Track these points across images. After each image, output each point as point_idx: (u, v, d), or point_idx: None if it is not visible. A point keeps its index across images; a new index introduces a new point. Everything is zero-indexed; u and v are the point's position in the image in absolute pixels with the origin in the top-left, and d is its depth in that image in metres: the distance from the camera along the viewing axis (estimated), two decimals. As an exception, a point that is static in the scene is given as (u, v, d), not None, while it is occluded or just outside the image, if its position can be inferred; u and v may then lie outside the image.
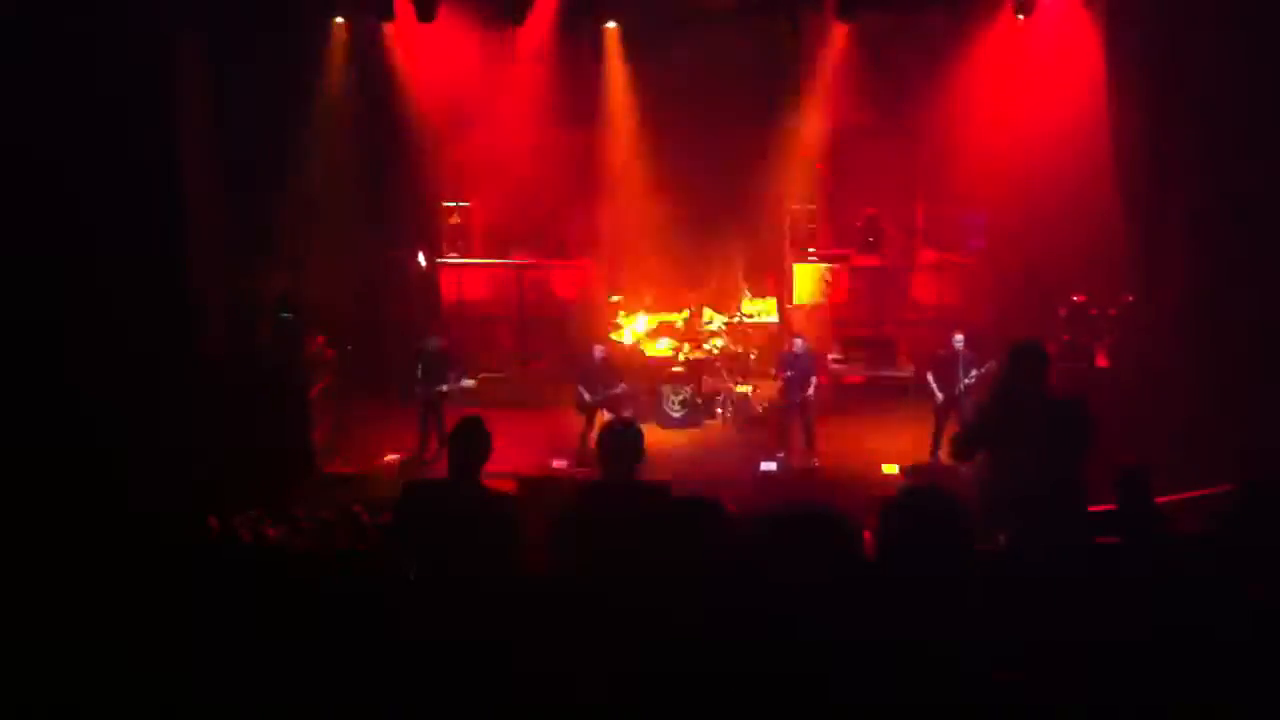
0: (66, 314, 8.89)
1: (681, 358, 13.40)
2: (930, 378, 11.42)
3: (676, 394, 13.12)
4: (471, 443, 5.26)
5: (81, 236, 8.97)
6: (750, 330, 14.00)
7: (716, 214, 14.82)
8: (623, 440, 5.24)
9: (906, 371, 13.78)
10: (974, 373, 11.01)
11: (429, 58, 14.13)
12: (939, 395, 11.25)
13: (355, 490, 10.71)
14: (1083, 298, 12.57)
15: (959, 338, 11.27)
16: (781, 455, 11.65)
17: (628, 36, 14.20)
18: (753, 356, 13.77)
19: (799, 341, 11.82)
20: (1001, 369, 6.70)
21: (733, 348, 13.65)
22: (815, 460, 11.68)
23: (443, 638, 3.89)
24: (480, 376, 12.22)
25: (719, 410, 13.31)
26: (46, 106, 8.65)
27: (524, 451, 11.79)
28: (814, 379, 11.74)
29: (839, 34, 13.83)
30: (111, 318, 9.16)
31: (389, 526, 5.41)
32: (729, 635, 3.35)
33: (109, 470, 8.18)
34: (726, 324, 13.86)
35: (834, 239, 14.89)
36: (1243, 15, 9.18)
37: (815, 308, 14.27)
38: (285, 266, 13.68)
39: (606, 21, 13.91)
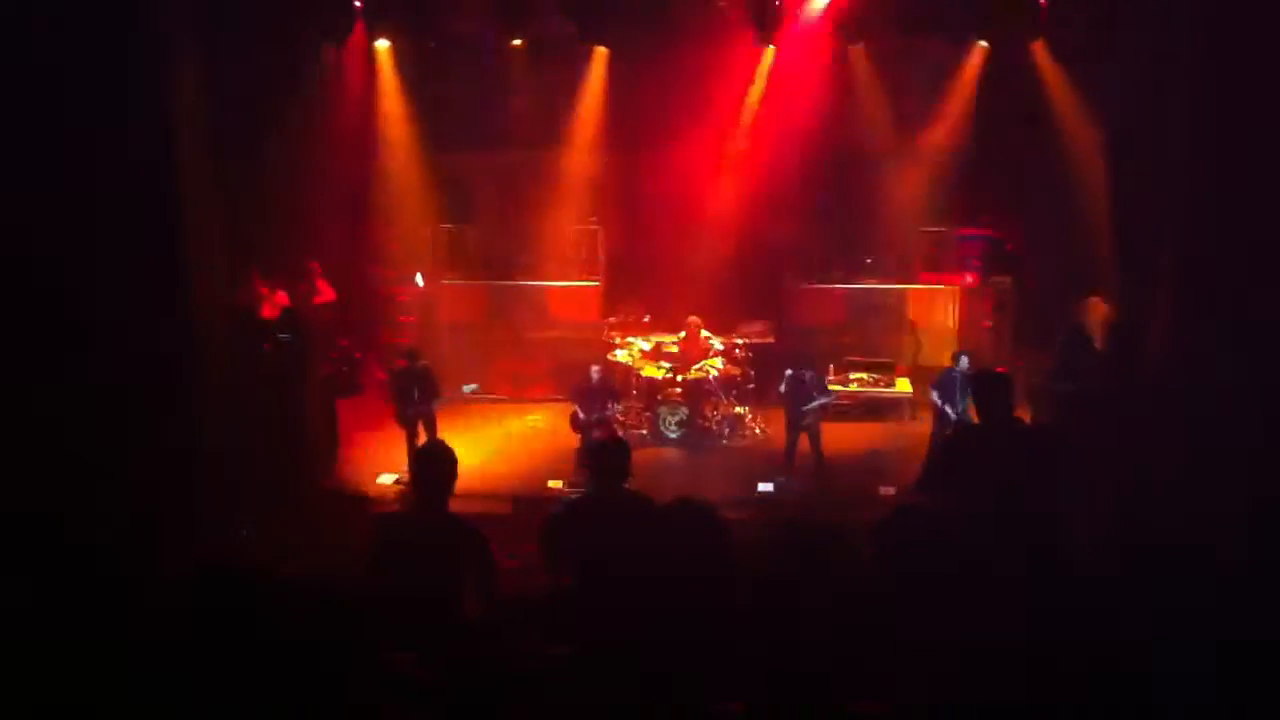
0: (65, 330, 8.89)
1: (678, 379, 13.38)
2: (935, 395, 11.40)
3: (673, 415, 13.10)
4: (437, 472, 5.18)
5: (81, 254, 8.97)
6: (748, 352, 13.98)
7: (714, 236, 14.87)
8: (610, 456, 5.27)
9: (904, 392, 13.78)
10: None
11: (428, 77, 14.21)
12: (946, 409, 11.22)
13: (349, 511, 10.70)
14: (1083, 318, 12.57)
15: (964, 361, 11.25)
16: (782, 479, 11.63)
17: (619, 58, 14.24)
18: (750, 375, 13.76)
19: (804, 371, 11.81)
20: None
21: (730, 369, 13.63)
22: (821, 483, 11.64)
23: (431, 659, 3.88)
24: (476, 397, 12.21)
25: (715, 431, 13.29)
26: (46, 123, 8.68)
27: (520, 473, 11.80)
28: (818, 404, 11.72)
29: (841, 55, 13.88)
30: (110, 337, 9.16)
31: (368, 564, 5.36)
32: (727, 638, 3.37)
33: (104, 489, 8.16)
34: (724, 345, 13.85)
35: (836, 261, 14.95)
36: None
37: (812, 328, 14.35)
38: (284, 287, 13.74)
39: (598, 42, 13.94)
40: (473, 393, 11.73)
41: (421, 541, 5.09)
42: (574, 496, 9.55)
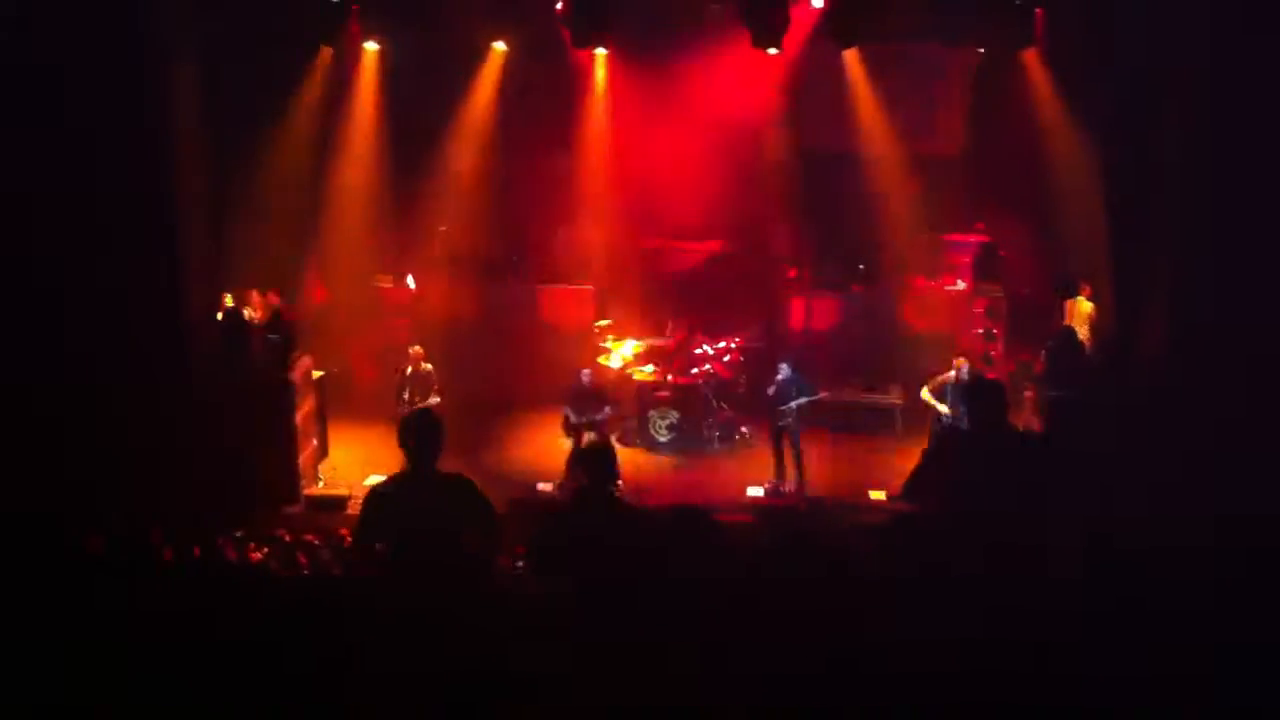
0: (60, 333, 8.88)
1: (669, 382, 13.36)
2: (931, 398, 11.35)
3: (664, 418, 13.08)
4: (426, 433, 5.23)
5: (78, 255, 8.97)
6: (740, 356, 13.96)
7: (708, 239, 14.88)
8: (597, 458, 5.27)
9: (896, 397, 13.77)
10: None
11: (416, 82, 14.20)
12: (942, 415, 11.20)
13: (340, 513, 10.67)
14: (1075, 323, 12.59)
15: (963, 366, 11.21)
16: (771, 482, 11.61)
17: (617, 62, 14.26)
18: (741, 380, 13.75)
19: (784, 366, 11.76)
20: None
21: (722, 374, 13.61)
22: (805, 492, 11.56)
23: (424, 660, 3.86)
24: (467, 399, 12.14)
25: (706, 435, 13.27)
26: (44, 127, 8.69)
27: (509, 475, 11.76)
28: (795, 404, 11.63)
29: (836, 59, 13.91)
30: (101, 339, 9.15)
31: (356, 528, 5.38)
32: (722, 639, 3.37)
33: (95, 487, 8.15)
34: (716, 350, 13.82)
35: (829, 266, 14.94)
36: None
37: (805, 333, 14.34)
38: (273, 289, 13.70)
39: (597, 47, 13.94)
40: (435, 404, 11.65)
41: (413, 495, 5.16)
42: (560, 502, 9.54)
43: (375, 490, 5.29)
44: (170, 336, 9.95)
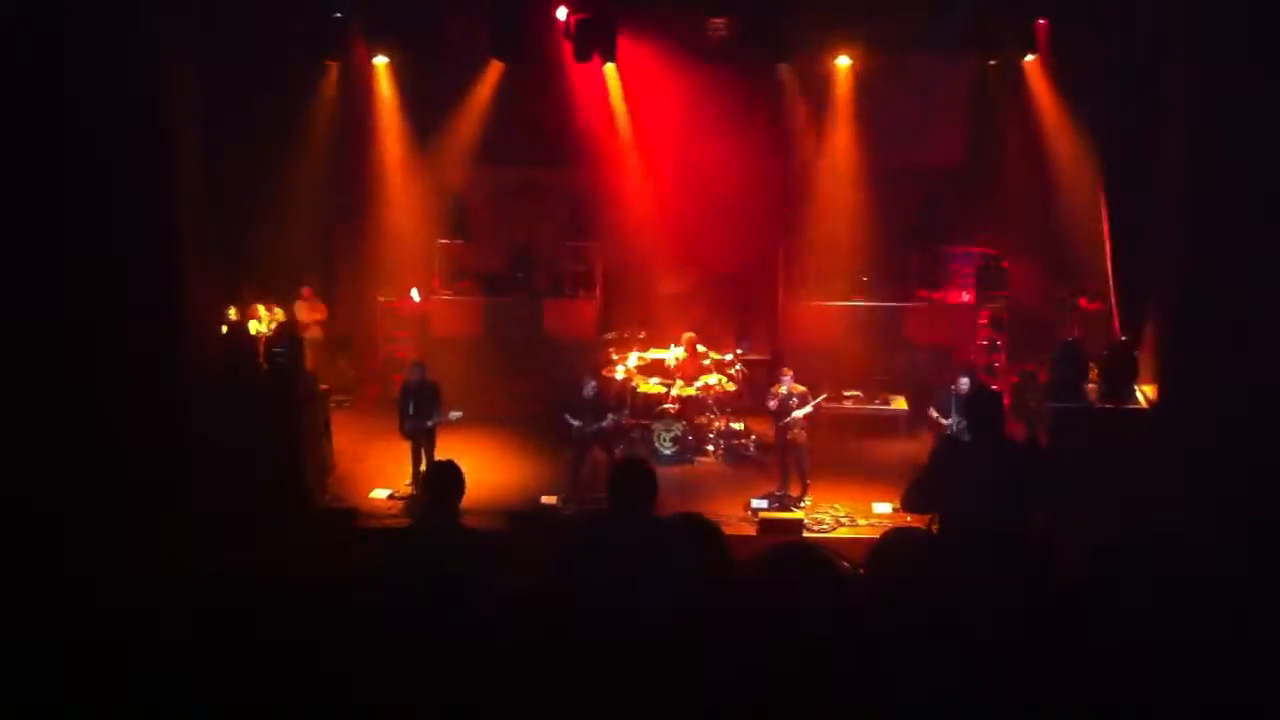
0: (61, 346, 8.90)
1: (673, 394, 13.36)
2: (934, 412, 11.37)
3: (668, 430, 13.07)
4: (447, 487, 5.17)
5: (74, 272, 9.00)
6: (743, 367, 13.97)
7: (710, 252, 14.90)
8: (640, 480, 5.04)
9: (899, 408, 13.77)
10: None
11: (425, 96, 14.28)
12: (946, 423, 11.20)
13: (345, 526, 10.66)
14: (1078, 334, 12.57)
15: (964, 380, 11.20)
16: (776, 493, 11.61)
17: (626, 76, 14.32)
18: (745, 391, 13.75)
19: (786, 379, 11.78)
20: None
21: (726, 385, 13.61)
22: (804, 503, 11.57)
23: (431, 673, 3.85)
24: (471, 412, 12.14)
25: (710, 447, 13.26)
26: (42, 138, 8.72)
27: (514, 488, 11.77)
28: (799, 414, 11.64)
29: (838, 74, 13.97)
30: (104, 351, 9.17)
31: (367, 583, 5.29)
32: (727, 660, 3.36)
33: (100, 501, 8.16)
34: (720, 362, 13.84)
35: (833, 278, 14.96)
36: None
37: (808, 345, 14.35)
38: (279, 301, 13.76)
39: (606, 61, 13.99)
40: (458, 419, 11.65)
41: (427, 547, 5.09)
42: (588, 515, 9.45)
43: (390, 535, 5.22)
44: (170, 337, 9.99)
